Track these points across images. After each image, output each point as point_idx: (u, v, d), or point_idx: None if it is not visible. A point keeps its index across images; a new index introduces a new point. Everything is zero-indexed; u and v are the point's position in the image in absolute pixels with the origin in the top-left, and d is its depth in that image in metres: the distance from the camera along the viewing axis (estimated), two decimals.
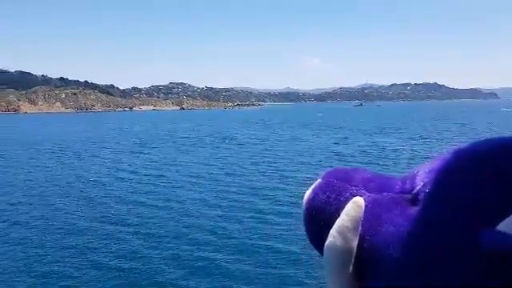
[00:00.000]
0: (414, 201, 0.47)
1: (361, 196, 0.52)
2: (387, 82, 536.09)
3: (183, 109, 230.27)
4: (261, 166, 28.31)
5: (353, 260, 0.49)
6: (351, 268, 0.50)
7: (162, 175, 25.42)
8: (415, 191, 0.48)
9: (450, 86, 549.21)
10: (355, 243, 0.49)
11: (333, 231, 0.50)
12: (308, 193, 0.58)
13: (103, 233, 14.55)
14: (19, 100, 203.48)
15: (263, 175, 24.74)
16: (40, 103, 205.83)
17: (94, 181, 24.06)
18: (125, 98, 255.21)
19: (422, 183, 0.47)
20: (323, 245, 0.52)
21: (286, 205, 17.73)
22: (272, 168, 27.20)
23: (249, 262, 12.08)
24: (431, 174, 0.46)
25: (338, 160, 30.08)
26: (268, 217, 16.16)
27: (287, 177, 24.04)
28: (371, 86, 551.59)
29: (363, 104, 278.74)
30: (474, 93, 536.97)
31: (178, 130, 65.25)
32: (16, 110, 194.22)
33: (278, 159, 31.22)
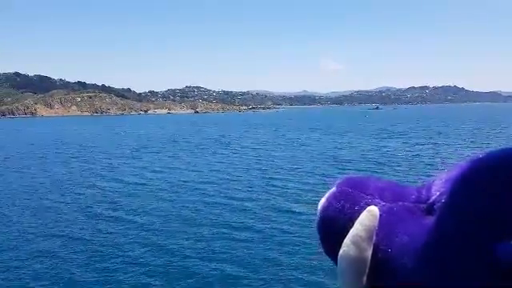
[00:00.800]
0: (429, 211, 0.47)
1: (375, 205, 0.52)
2: (405, 86, 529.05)
3: (197, 112, 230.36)
4: (252, 173, 26.98)
5: (367, 270, 0.49)
6: (365, 279, 0.49)
7: (143, 183, 24.29)
8: (431, 201, 0.47)
9: (470, 89, 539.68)
10: (369, 253, 0.49)
11: (347, 241, 0.50)
12: (322, 202, 0.57)
13: (50, 246, 13.41)
14: (36, 103, 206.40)
15: (251, 184, 23.41)
16: (56, 107, 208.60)
17: (64, 187, 23.03)
18: (141, 101, 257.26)
19: (437, 193, 0.46)
20: (337, 254, 0.51)
21: (259, 219, 16.39)
22: (264, 175, 25.86)
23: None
24: (447, 184, 0.45)
25: (336, 166, 28.53)
26: (234, 232, 14.80)
27: (274, 186, 22.68)
28: (389, 89, 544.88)
29: (380, 107, 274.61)
30: (493, 96, 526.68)
31: (182, 134, 64.30)
32: (33, 114, 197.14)
33: (274, 165, 29.87)
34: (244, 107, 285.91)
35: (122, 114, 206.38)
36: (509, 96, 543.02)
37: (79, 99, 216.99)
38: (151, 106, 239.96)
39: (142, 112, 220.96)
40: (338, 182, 0.58)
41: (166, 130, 75.71)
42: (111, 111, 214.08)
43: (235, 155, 36.71)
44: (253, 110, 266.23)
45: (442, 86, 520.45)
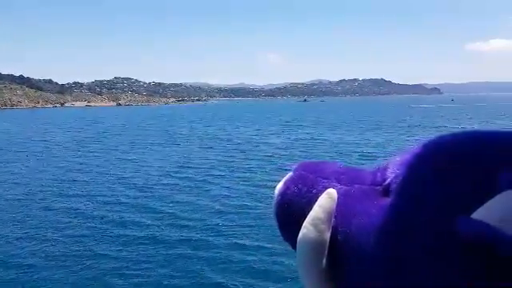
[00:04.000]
0: (385, 192, 0.48)
1: (333, 188, 0.52)
2: (338, 78, 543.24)
3: (120, 105, 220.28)
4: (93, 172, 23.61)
5: (326, 252, 0.49)
6: (324, 261, 0.48)
7: None
8: (386, 183, 0.48)
9: (396, 82, 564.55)
10: (328, 235, 0.49)
11: (306, 223, 0.50)
12: (279, 186, 0.57)
13: None
14: None
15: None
16: None
17: None
18: (63, 93, 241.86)
19: (393, 175, 0.47)
20: (295, 238, 0.51)
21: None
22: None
23: None
24: (403, 167, 0.46)
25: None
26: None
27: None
28: (321, 82, 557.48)
29: (307, 100, 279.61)
30: (418, 88, 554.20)
31: (59, 132, 58.54)
32: None
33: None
34: (172, 99, 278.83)
35: (35, 107, 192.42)
36: (432, 88, 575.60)
37: None
38: (69, 98, 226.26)
39: (58, 105, 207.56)
40: (294, 166, 0.58)
41: (56, 127, 68.90)
42: (23, 104, 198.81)
43: (91, 153, 32.95)
44: (180, 102, 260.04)
45: (371, 79, 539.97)
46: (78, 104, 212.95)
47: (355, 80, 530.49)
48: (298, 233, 0.50)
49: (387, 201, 0.46)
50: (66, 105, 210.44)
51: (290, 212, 0.54)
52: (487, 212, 0.37)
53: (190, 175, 23.52)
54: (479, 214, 0.37)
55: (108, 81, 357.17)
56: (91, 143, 41.68)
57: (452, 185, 0.40)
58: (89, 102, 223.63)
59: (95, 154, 33.25)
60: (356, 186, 0.51)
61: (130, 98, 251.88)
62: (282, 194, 0.56)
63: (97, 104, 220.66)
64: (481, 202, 0.38)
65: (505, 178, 0.38)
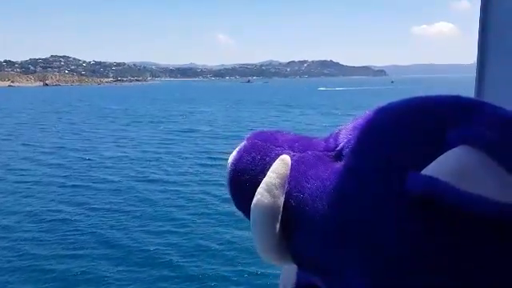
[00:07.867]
0: (338, 157, 0.48)
1: (287, 155, 0.52)
2: (289, 60, 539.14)
3: (47, 85, 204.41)
4: None
5: (279, 217, 0.49)
6: (278, 226, 0.49)
7: None
8: (339, 148, 0.48)
9: (344, 64, 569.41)
10: (282, 200, 0.49)
11: (260, 189, 0.50)
12: (233, 155, 0.57)
13: None
14: None
15: None
16: None
17: None
18: None
19: (345, 140, 0.48)
20: (248, 206, 0.51)
21: None
22: None
23: None
24: (355, 131, 0.47)
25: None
26: None
27: None
28: (271, 63, 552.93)
29: (251, 81, 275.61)
30: (365, 70, 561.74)
31: None
32: None
33: None
34: (109, 79, 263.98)
35: None
36: (378, 70, 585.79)
37: None
38: None
39: None
40: (247, 136, 0.59)
41: None
42: None
43: None
44: (117, 82, 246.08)
45: (320, 61, 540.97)
46: None
47: (304, 61, 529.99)
48: (252, 200, 0.50)
49: (340, 164, 0.47)
50: None
51: (244, 180, 0.54)
52: (438, 167, 0.37)
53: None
54: (429, 170, 0.37)
55: (44, 59, 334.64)
56: None
57: (403, 143, 0.42)
58: (12, 81, 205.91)
59: None
60: (309, 152, 0.52)
61: (58, 77, 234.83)
62: (236, 162, 0.56)
63: (21, 84, 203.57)
64: (432, 159, 0.38)
65: (456, 134, 0.39)
